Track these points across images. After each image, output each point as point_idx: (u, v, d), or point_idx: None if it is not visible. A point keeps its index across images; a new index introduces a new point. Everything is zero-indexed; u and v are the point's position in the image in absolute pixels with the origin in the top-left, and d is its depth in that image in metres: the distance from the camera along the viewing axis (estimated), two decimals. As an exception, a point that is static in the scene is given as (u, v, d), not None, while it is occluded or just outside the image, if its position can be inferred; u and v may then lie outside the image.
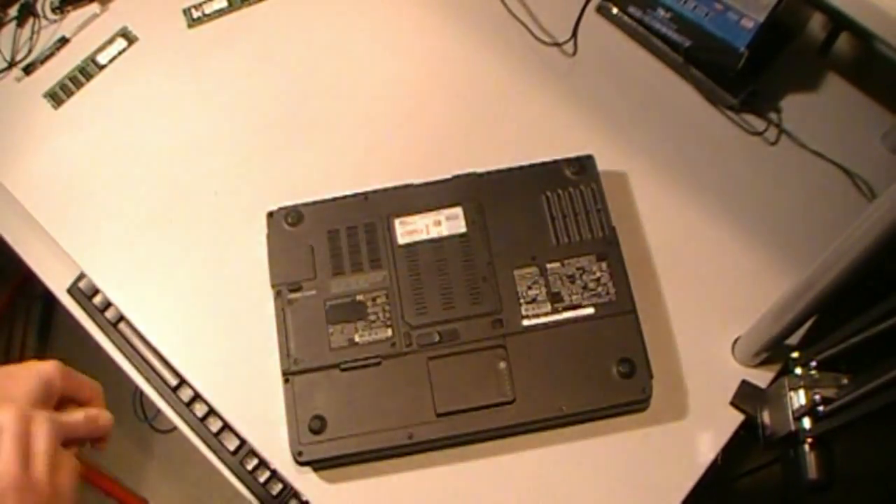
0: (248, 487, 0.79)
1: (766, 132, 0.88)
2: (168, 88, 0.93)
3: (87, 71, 0.94)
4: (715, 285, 0.82)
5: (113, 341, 0.84)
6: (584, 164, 0.82)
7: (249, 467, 0.80)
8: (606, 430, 0.77)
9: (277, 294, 0.79)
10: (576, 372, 0.75)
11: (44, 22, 0.97)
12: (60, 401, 0.55)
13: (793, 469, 0.67)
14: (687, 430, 0.77)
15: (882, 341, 0.60)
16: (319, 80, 0.93)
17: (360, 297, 0.78)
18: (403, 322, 0.77)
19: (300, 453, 0.74)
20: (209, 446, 0.81)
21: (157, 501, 1.44)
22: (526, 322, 0.77)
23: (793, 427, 0.67)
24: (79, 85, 0.94)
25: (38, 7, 0.98)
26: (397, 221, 0.81)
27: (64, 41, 0.96)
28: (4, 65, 0.95)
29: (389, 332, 0.77)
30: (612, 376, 0.75)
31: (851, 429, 0.62)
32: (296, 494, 0.78)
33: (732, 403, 0.77)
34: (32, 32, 0.97)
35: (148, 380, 0.83)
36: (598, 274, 0.78)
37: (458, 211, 0.81)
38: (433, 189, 0.82)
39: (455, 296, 0.78)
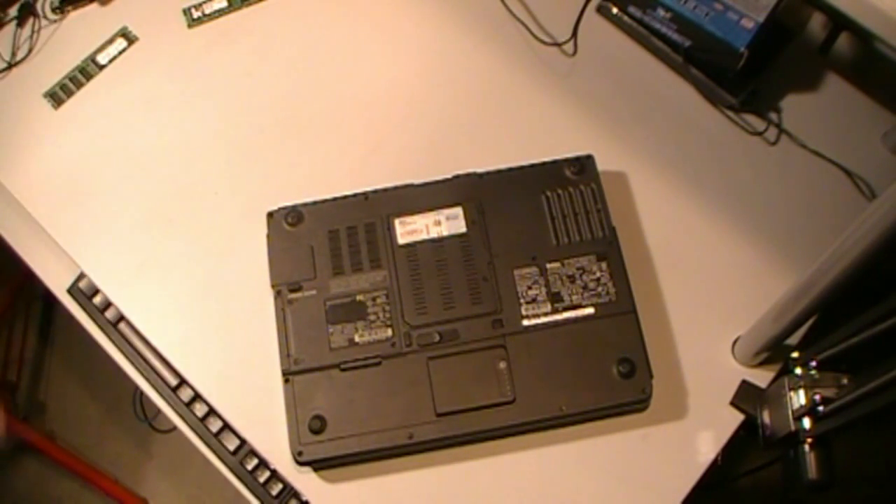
0: (248, 487, 0.79)
1: (766, 132, 0.88)
2: (168, 88, 0.93)
3: (87, 71, 0.94)
4: (715, 285, 0.82)
5: (113, 341, 0.84)
6: (584, 164, 0.82)
7: (249, 467, 0.80)
8: (606, 430, 0.77)
9: (277, 294, 0.79)
10: (576, 372, 0.75)
11: (44, 22, 0.97)
12: None
13: (793, 469, 0.67)
14: (687, 430, 0.77)
15: (882, 341, 0.60)
16: (319, 80, 0.93)
17: (360, 297, 0.78)
18: (403, 322, 0.77)
19: (300, 453, 0.74)
20: (209, 446, 0.81)
21: (157, 501, 1.44)
22: (526, 322, 0.77)
23: (793, 427, 0.67)
24: (79, 85, 0.94)
25: (38, 7, 0.98)
26: (397, 221, 0.81)
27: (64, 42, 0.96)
28: (4, 65, 0.95)
29: (389, 332, 0.77)
30: (612, 376, 0.75)
31: (851, 429, 0.62)
32: (296, 494, 0.78)
33: (732, 403, 0.77)
34: (32, 32, 0.97)
35: (148, 380, 0.83)
36: (598, 274, 0.78)
37: (458, 211, 0.81)
38: (433, 189, 0.82)
39: (455, 296, 0.78)
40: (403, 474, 0.76)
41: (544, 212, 0.81)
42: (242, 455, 0.80)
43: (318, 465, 0.76)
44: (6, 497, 1.46)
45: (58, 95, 0.93)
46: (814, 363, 0.67)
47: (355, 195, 0.83)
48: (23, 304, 1.57)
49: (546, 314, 0.77)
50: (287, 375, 0.76)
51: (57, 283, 0.87)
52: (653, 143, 0.88)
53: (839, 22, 0.89)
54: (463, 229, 0.81)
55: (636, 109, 0.90)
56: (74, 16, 0.98)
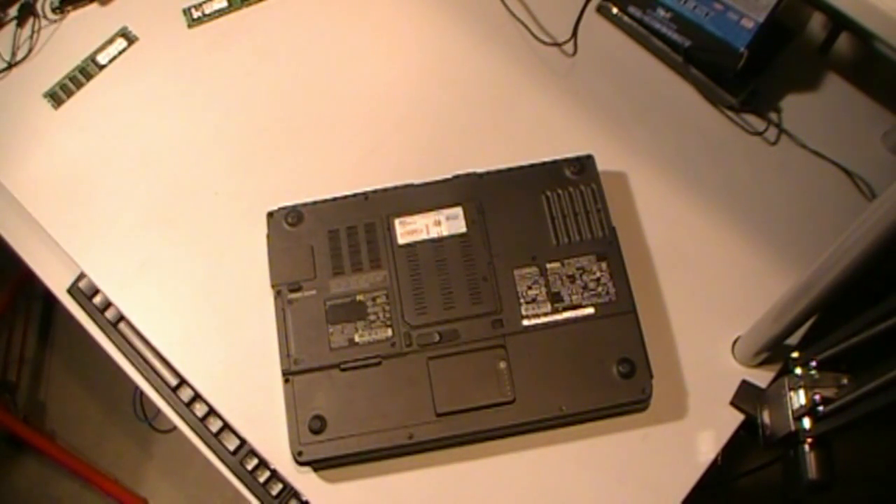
0: (248, 487, 0.79)
1: (766, 132, 0.88)
2: (168, 88, 0.93)
3: (87, 71, 0.94)
4: (715, 285, 0.82)
5: (113, 341, 0.84)
6: (584, 164, 0.82)
7: (249, 467, 0.80)
8: (606, 430, 0.77)
9: (277, 294, 0.79)
10: (576, 372, 0.75)
11: (44, 22, 0.97)
12: None
13: (793, 469, 0.67)
14: (687, 430, 0.77)
15: (882, 341, 0.60)
16: (319, 80, 0.93)
17: (360, 297, 0.78)
18: (403, 322, 0.77)
19: (300, 453, 0.74)
20: (209, 446, 0.81)
21: (157, 501, 1.44)
22: (526, 322, 0.77)
23: (793, 427, 0.67)
24: (79, 85, 0.94)
25: (38, 7, 0.98)
26: (397, 221, 0.81)
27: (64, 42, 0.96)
28: (4, 65, 0.95)
29: (389, 332, 0.77)
30: (612, 376, 0.75)
31: (851, 429, 0.62)
32: (296, 494, 0.78)
33: (732, 403, 0.77)
34: (32, 32, 0.97)
35: (148, 380, 0.83)
36: (598, 274, 0.78)
37: (458, 211, 0.81)
38: (433, 189, 0.82)
39: (455, 296, 0.78)
40: (403, 474, 0.76)
41: (544, 212, 0.81)
42: (242, 455, 0.80)
43: (318, 465, 0.76)
44: (6, 497, 1.46)
45: (58, 95, 0.93)
46: (814, 363, 0.67)
47: (355, 195, 0.83)
48: (23, 304, 1.57)
49: (546, 314, 0.77)
50: (287, 375, 0.76)
51: (57, 283, 0.87)
52: (653, 143, 0.88)
53: (839, 22, 0.89)
54: (463, 229, 0.81)
55: (636, 109, 0.90)
56: (74, 16, 0.98)
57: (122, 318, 0.85)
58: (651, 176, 0.87)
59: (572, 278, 0.78)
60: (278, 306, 0.79)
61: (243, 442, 0.80)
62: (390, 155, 0.89)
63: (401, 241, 0.80)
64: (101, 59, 0.95)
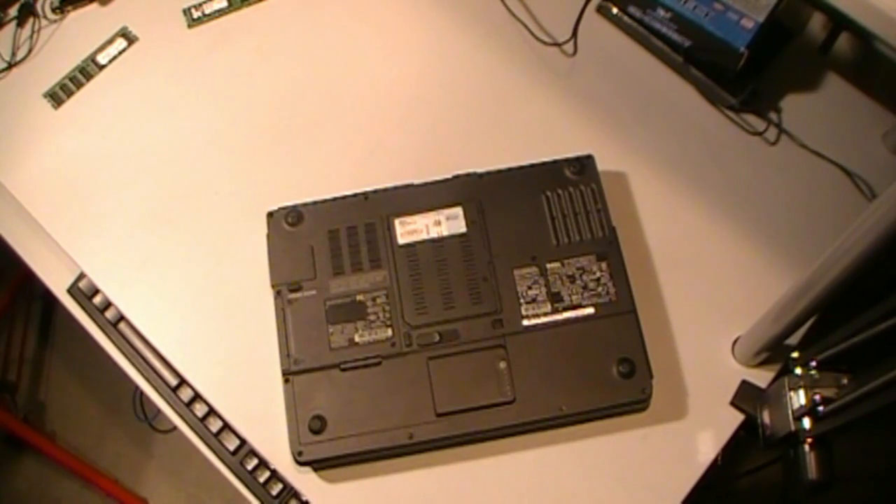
0: (248, 487, 0.79)
1: (766, 132, 0.89)
2: (168, 88, 0.93)
3: (87, 71, 0.94)
4: (715, 285, 0.82)
5: (113, 341, 0.84)
6: (584, 164, 0.82)
7: (249, 467, 0.80)
8: (606, 430, 0.77)
9: (277, 294, 0.79)
10: (576, 372, 0.75)
11: (44, 22, 0.97)
12: None
13: (793, 469, 0.67)
14: (687, 430, 0.77)
15: (882, 341, 0.60)
16: (319, 80, 0.93)
17: (360, 297, 0.78)
18: (403, 322, 0.77)
19: (300, 453, 0.74)
20: (209, 446, 0.81)
21: (157, 501, 1.44)
22: (526, 322, 0.77)
23: (793, 427, 0.67)
24: (79, 85, 0.94)
25: (38, 7, 0.98)
26: (397, 221, 0.81)
27: (64, 42, 0.96)
28: (4, 65, 0.95)
29: (389, 332, 0.77)
30: (612, 376, 0.75)
31: (851, 429, 0.62)
32: (296, 494, 0.78)
33: (732, 403, 0.77)
34: (32, 32, 0.97)
35: (148, 380, 0.83)
36: (598, 274, 0.78)
37: (458, 211, 0.81)
38: (433, 189, 0.82)
39: (455, 296, 0.78)
40: (403, 474, 0.76)
41: (544, 212, 0.81)
42: (242, 455, 0.80)
43: (318, 465, 0.76)
44: (6, 497, 1.46)
45: (58, 95, 0.93)
46: (814, 363, 0.67)
47: (355, 195, 0.83)
48: (23, 304, 1.57)
49: (546, 314, 0.77)
50: (287, 375, 0.76)
51: (57, 283, 0.87)
52: (653, 143, 0.88)
53: (839, 22, 0.89)
54: (463, 229, 0.81)
55: (636, 109, 0.90)
56: (74, 16, 0.98)
57: (122, 318, 0.85)
58: (651, 176, 0.87)
59: (572, 278, 0.78)
60: (278, 306, 0.79)
61: (243, 442, 0.80)
62: (390, 155, 0.89)
63: (401, 241, 0.80)
64: (101, 59, 0.95)
